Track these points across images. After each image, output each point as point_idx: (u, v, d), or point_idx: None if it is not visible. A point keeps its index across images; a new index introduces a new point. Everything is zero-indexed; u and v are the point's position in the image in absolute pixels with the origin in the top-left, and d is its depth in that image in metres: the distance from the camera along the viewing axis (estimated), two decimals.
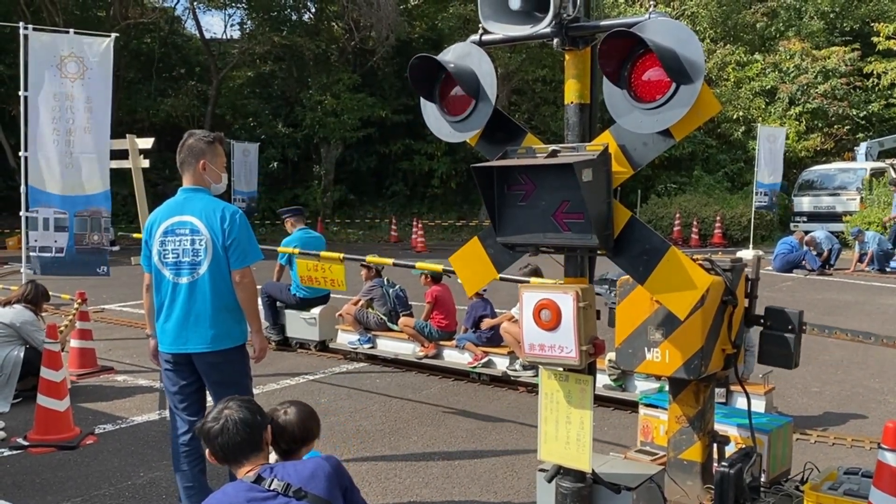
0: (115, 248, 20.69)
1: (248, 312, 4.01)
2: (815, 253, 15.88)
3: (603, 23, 2.90)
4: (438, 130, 3.32)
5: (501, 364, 7.39)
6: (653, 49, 2.60)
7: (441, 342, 7.91)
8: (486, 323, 7.55)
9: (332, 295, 8.72)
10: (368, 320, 8.37)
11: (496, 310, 7.78)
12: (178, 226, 3.90)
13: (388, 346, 8.34)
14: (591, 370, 3.12)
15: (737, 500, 3.47)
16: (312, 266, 6.54)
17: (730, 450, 3.74)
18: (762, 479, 3.90)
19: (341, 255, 6.61)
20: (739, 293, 3.64)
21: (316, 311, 8.64)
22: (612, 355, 6.16)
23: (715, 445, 3.73)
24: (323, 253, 6.65)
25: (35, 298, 6.73)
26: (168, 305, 3.92)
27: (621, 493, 3.23)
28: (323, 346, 8.71)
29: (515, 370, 7.20)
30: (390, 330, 8.32)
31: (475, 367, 7.46)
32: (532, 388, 6.87)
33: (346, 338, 8.55)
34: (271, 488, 2.45)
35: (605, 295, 4.11)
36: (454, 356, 7.76)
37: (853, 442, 5.54)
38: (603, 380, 6.51)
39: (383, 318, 8.34)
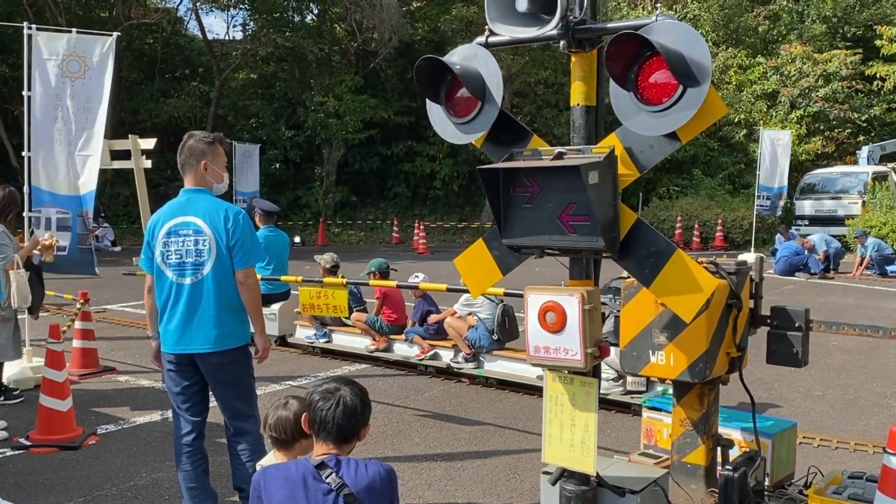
0: (117, 249, 20.81)
1: (252, 312, 4.01)
2: (816, 257, 15.87)
3: (610, 25, 2.90)
4: (444, 132, 3.31)
5: (447, 356, 7.78)
6: (660, 51, 2.60)
7: (391, 336, 8.34)
8: (433, 318, 7.96)
9: (291, 291, 9.01)
10: (324, 316, 8.49)
11: (440, 306, 8.19)
12: (181, 226, 3.89)
13: (342, 340, 8.72)
14: (595, 373, 3.12)
15: (741, 503, 3.47)
16: (315, 293, 6.54)
17: (734, 453, 3.74)
18: (766, 483, 3.89)
19: (344, 280, 6.63)
20: (744, 296, 3.63)
21: (276, 307, 8.90)
22: None
23: (719, 449, 3.72)
24: (327, 279, 6.67)
25: (2, 207, 6.14)
26: (171, 306, 3.90)
27: (625, 497, 3.22)
28: (282, 341, 8.98)
29: (458, 362, 7.59)
30: (344, 325, 8.64)
31: (422, 360, 7.87)
32: (535, 392, 6.86)
33: (304, 332, 8.87)
34: (327, 480, 2.45)
35: (610, 304, 4.10)
36: (403, 349, 8.18)
37: (856, 446, 5.53)
38: (535, 370, 6.80)
39: None
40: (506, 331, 7.51)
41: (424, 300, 8.18)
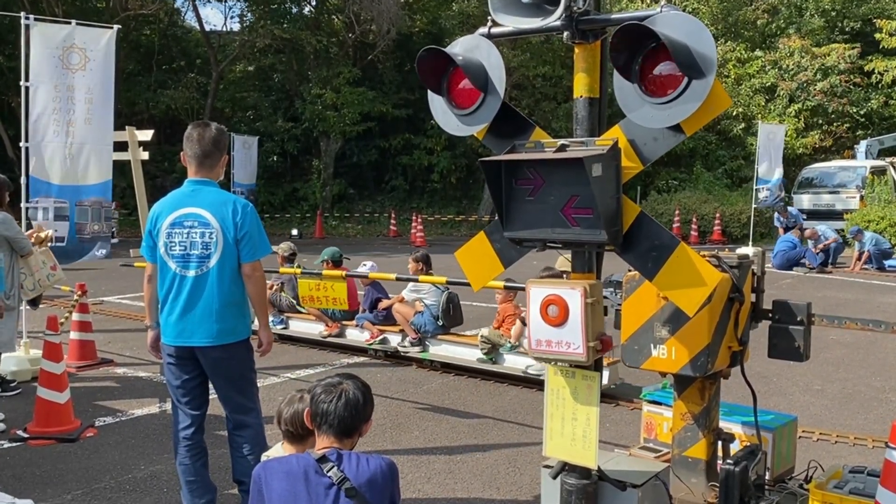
0: (115, 241, 20.74)
1: (257, 306, 4.00)
2: (815, 251, 15.87)
3: (614, 16, 2.87)
4: (446, 124, 3.28)
5: (395, 341, 8.15)
6: (665, 43, 2.57)
7: (343, 322, 8.65)
8: (382, 304, 8.30)
9: None
10: (280, 303, 9.01)
11: (391, 294, 8.49)
12: (186, 218, 3.85)
13: (298, 326, 9.03)
14: (597, 367, 3.10)
15: (742, 497, 3.45)
16: (314, 285, 6.57)
17: (734, 447, 3.73)
18: (766, 477, 3.89)
19: (343, 273, 6.69)
20: (746, 290, 3.61)
21: None
22: (484, 331, 7.43)
23: (720, 443, 3.71)
24: (326, 272, 6.72)
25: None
26: (173, 298, 3.87)
27: (627, 491, 3.20)
28: None
29: (405, 346, 8.00)
30: (299, 311, 8.92)
31: (372, 344, 8.24)
32: (534, 385, 6.87)
33: None
34: (328, 474, 2.45)
35: (611, 297, 4.07)
36: (354, 334, 8.52)
37: (856, 440, 5.53)
38: (476, 354, 7.45)
39: (293, 301, 8.94)
40: (450, 317, 7.90)
41: (374, 287, 8.48)
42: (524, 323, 6.84)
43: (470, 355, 7.53)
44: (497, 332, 7.36)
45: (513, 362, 7.19)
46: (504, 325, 7.45)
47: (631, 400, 6.51)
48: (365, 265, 8.59)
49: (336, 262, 8.56)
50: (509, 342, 7.27)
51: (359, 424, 2.59)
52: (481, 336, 7.38)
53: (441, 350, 7.81)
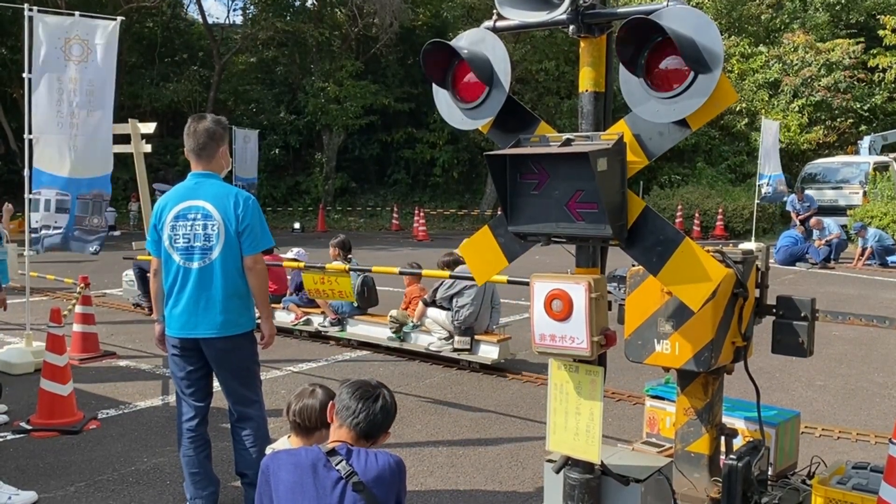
0: (116, 233, 20.75)
1: (259, 298, 4.00)
2: (818, 244, 15.84)
3: (620, 10, 2.86)
4: (450, 117, 3.27)
5: (317, 321, 8.73)
6: (671, 37, 2.56)
7: (272, 305, 8.64)
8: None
9: None
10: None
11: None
12: (189, 210, 3.86)
13: None
14: (601, 361, 3.10)
15: (744, 493, 3.45)
16: (319, 279, 6.64)
17: (737, 443, 3.73)
18: (769, 473, 3.88)
19: (346, 267, 6.83)
20: (750, 285, 3.61)
21: None
22: (393, 312, 8.03)
23: (723, 438, 3.71)
24: (329, 265, 6.80)
25: None
26: (178, 290, 3.88)
27: (630, 486, 3.21)
28: None
29: (325, 327, 8.61)
30: None
31: (296, 325, 8.79)
32: (536, 380, 6.88)
33: None
34: (337, 467, 2.46)
35: (615, 292, 4.07)
36: (281, 316, 8.95)
37: (858, 436, 5.53)
38: (386, 332, 8.08)
39: None
40: (364, 298, 8.50)
41: (299, 272, 8.76)
42: (426, 304, 7.61)
43: (382, 334, 8.17)
44: (404, 313, 8.05)
45: (418, 340, 7.95)
46: (410, 306, 8.05)
47: (520, 373, 7.15)
48: (292, 251, 9.18)
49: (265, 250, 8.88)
50: (412, 321, 7.91)
51: (383, 431, 2.62)
52: (390, 316, 8.02)
53: (357, 329, 8.48)
